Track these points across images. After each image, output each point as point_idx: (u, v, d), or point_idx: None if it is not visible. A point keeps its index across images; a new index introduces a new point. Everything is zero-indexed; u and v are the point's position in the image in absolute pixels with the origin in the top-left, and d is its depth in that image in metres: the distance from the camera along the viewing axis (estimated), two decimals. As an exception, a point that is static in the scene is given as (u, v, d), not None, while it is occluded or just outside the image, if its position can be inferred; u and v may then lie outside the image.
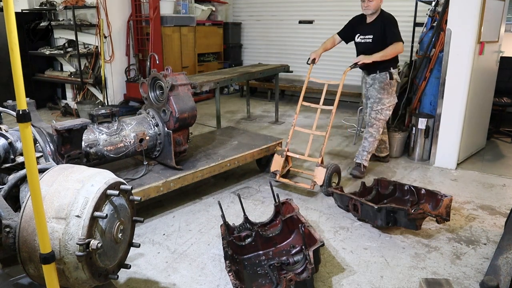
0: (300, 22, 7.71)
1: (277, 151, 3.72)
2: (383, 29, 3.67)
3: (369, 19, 3.79)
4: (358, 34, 3.84)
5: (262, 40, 8.35)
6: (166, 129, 3.17)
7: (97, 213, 1.66)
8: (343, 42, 4.01)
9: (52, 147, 2.47)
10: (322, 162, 3.52)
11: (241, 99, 7.72)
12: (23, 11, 6.77)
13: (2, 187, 1.91)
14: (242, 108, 6.83)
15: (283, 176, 3.72)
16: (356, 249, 2.72)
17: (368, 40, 3.78)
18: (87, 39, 6.53)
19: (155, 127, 3.18)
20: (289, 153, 3.70)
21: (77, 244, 1.60)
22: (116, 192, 1.77)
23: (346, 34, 3.95)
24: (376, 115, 3.88)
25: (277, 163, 3.63)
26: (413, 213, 2.67)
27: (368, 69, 3.86)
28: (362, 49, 3.82)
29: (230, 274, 2.09)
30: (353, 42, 3.97)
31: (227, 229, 2.55)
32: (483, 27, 3.87)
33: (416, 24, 4.90)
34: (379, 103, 3.86)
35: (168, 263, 2.58)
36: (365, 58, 3.57)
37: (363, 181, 3.31)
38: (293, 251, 2.51)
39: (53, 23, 6.66)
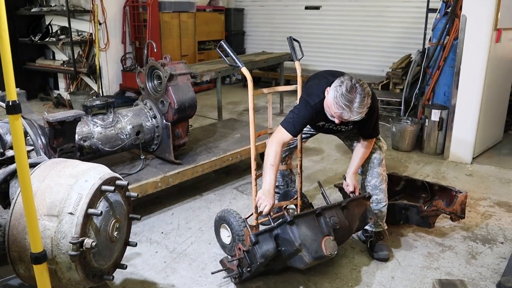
0: (307, 8, 7.57)
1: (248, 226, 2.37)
2: (366, 120, 2.39)
3: None
4: (324, 123, 2.60)
5: (266, 27, 8.22)
6: (164, 121, 3.13)
7: (91, 210, 1.63)
8: None
9: (43, 140, 2.46)
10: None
11: (243, 89, 7.63)
12: (13, -4, 6.63)
13: (-9, 183, 1.87)
14: (244, 99, 6.77)
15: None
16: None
17: (345, 128, 2.60)
18: (81, 26, 6.40)
19: (153, 119, 3.13)
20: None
21: (70, 243, 1.56)
22: (112, 188, 1.73)
23: (302, 128, 2.54)
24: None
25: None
26: (426, 210, 2.62)
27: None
28: (336, 134, 2.75)
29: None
30: None
31: None
32: (500, 13, 3.77)
33: (429, 10, 4.86)
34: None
35: (167, 263, 2.54)
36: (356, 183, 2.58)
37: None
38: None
39: (44, 8, 6.50)
